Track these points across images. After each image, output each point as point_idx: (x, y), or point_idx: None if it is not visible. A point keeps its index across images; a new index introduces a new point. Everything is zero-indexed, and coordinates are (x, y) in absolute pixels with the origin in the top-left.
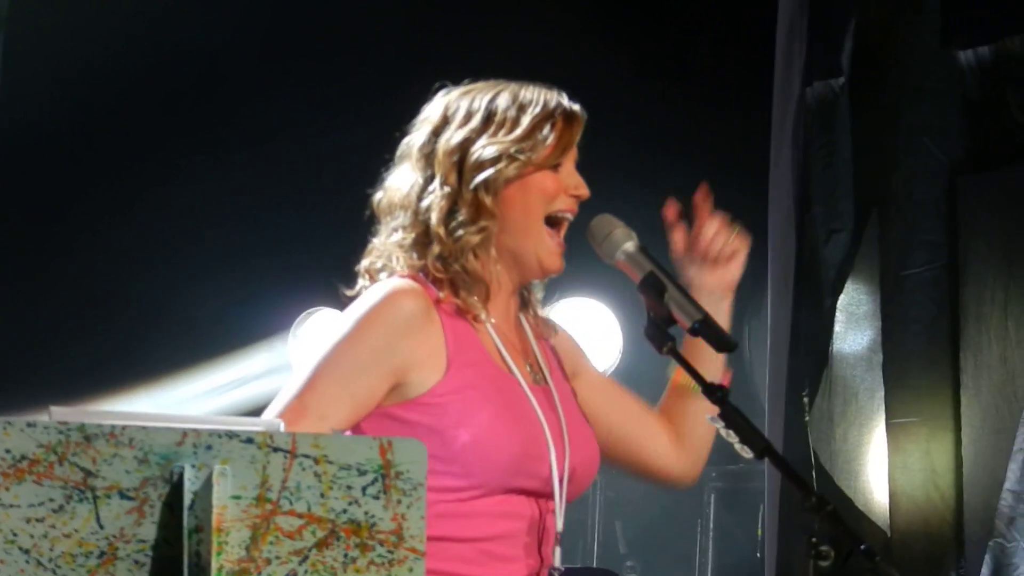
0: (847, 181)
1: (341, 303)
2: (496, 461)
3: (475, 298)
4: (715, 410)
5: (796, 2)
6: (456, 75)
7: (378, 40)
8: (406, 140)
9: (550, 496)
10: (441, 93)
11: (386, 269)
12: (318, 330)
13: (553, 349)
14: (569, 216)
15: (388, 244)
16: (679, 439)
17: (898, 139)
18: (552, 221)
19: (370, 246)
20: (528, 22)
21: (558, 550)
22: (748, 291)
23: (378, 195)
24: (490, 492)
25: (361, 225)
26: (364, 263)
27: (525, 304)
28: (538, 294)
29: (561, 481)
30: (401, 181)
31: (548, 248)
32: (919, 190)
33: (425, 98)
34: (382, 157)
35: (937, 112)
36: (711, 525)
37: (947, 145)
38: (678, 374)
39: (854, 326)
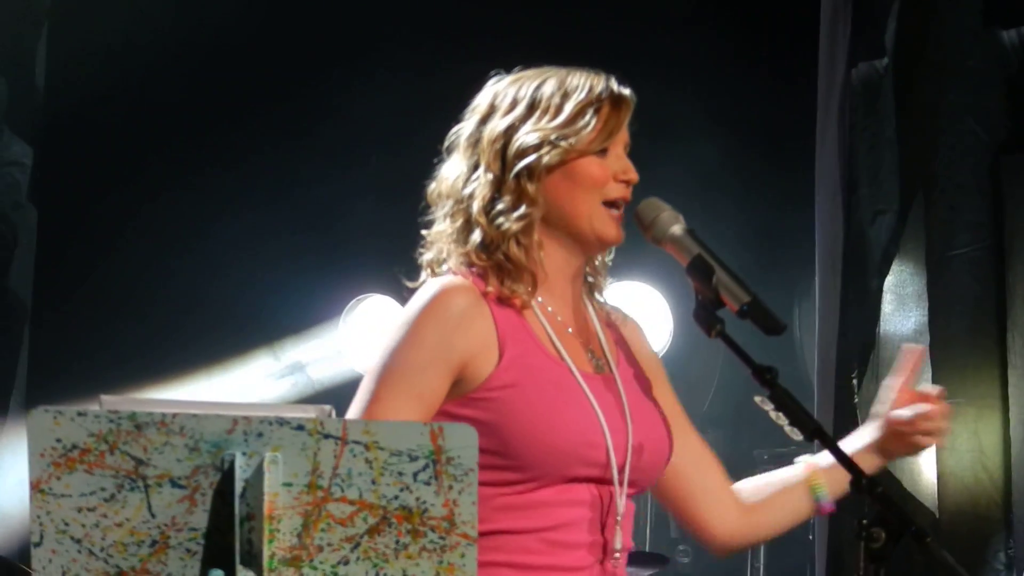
0: (892, 162)
1: (392, 290)
2: (550, 452)
3: (521, 286)
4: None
5: None
6: (507, 63)
7: (427, 25)
8: (455, 129)
9: (612, 481)
10: (491, 81)
11: (443, 262)
12: (370, 319)
13: (623, 339)
14: (620, 202)
15: (438, 234)
16: (751, 518)
17: (941, 119)
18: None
19: (428, 237)
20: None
21: (619, 533)
22: (797, 273)
23: (431, 186)
24: (549, 483)
25: (411, 212)
26: (426, 256)
27: (591, 290)
28: (605, 279)
29: (621, 468)
30: (450, 171)
31: (602, 218)
32: (963, 170)
33: (478, 85)
34: (431, 144)
35: (980, 92)
36: None
37: (990, 125)
38: (814, 475)
39: (902, 307)
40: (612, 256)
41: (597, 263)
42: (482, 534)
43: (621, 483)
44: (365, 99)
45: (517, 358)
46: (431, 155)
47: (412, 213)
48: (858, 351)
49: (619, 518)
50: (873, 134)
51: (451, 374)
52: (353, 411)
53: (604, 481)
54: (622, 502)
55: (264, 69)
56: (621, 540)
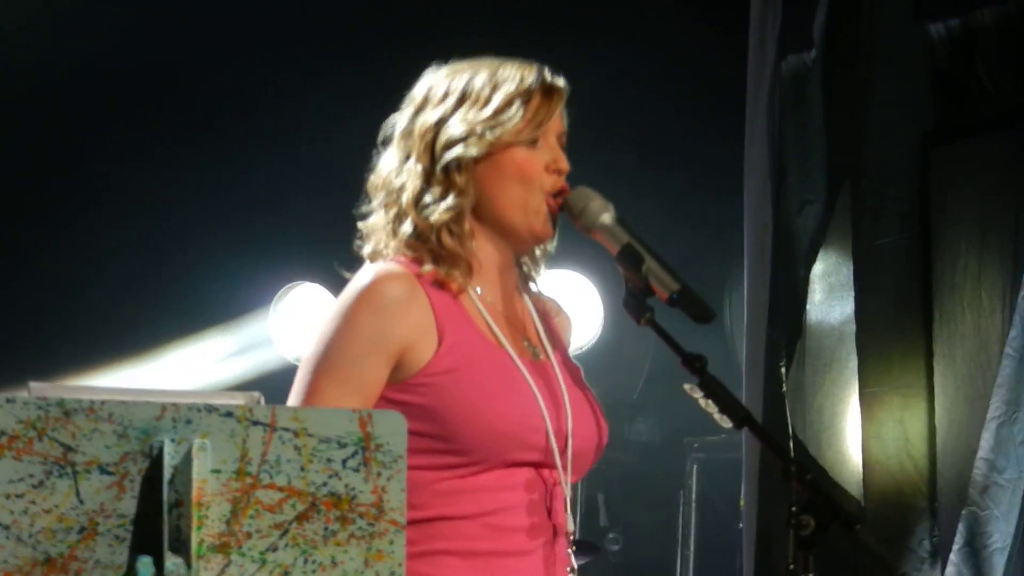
0: (820, 152)
1: (321, 278)
2: (490, 436)
3: (457, 271)
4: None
5: None
6: (444, 53)
7: (362, 14)
8: (390, 120)
9: (555, 466)
10: (428, 72)
11: (380, 254)
12: (300, 307)
13: (555, 329)
14: (561, 193)
15: (373, 225)
16: None
17: (870, 111)
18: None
19: (364, 229)
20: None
21: (570, 516)
22: (727, 262)
23: (370, 177)
24: (490, 467)
25: (341, 200)
26: (365, 249)
27: (526, 279)
28: (540, 269)
29: (563, 451)
30: (385, 162)
31: (540, 212)
32: (891, 161)
33: (411, 73)
34: (366, 131)
35: (908, 84)
36: (693, 496)
37: (918, 116)
38: None
39: (830, 296)
40: (554, 245)
41: (537, 253)
42: (424, 520)
43: (564, 467)
44: (295, 89)
45: (456, 344)
46: (363, 144)
47: (342, 202)
48: (785, 340)
49: (567, 500)
50: (801, 124)
51: (389, 362)
52: (292, 403)
53: (544, 465)
54: (567, 485)
55: (199, 55)
56: (571, 522)
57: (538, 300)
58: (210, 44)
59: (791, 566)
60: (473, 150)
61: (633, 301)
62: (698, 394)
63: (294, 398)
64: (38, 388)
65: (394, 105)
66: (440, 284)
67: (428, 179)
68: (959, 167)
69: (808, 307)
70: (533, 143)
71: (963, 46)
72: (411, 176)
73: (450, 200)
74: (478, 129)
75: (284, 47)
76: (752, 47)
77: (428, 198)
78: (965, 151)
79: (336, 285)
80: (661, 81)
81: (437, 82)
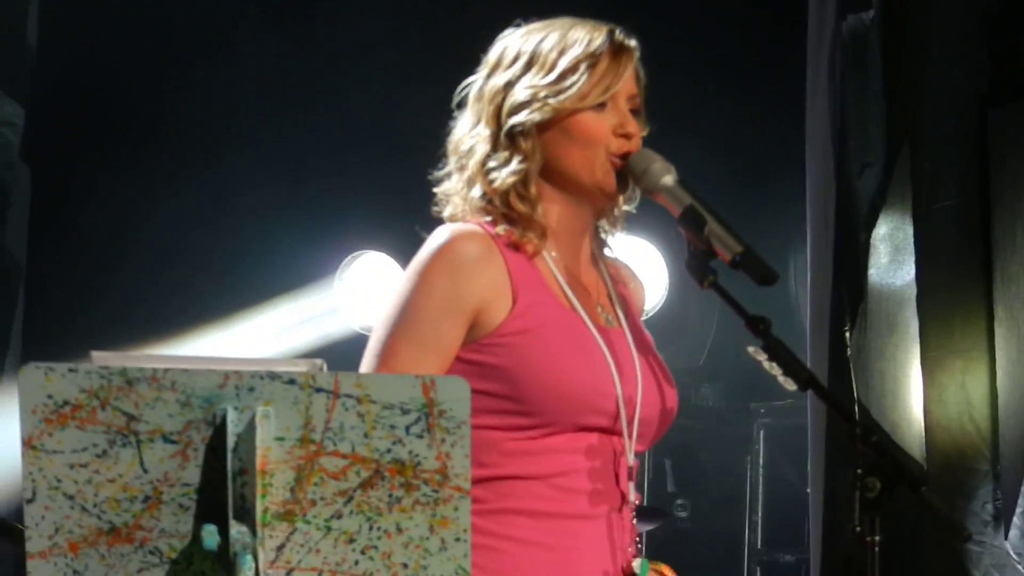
0: (879, 114)
1: (387, 246)
2: (561, 398)
3: (531, 233)
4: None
5: None
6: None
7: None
8: (466, 82)
9: (621, 433)
10: (504, 33)
11: (457, 217)
12: (365, 276)
13: (628, 296)
14: (627, 155)
15: (447, 188)
16: None
17: (927, 71)
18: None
19: (439, 192)
20: None
21: (631, 485)
22: (792, 225)
23: (448, 140)
24: (560, 430)
25: (406, 168)
26: (445, 212)
27: (601, 244)
28: (615, 233)
29: (631, 420)
30: (459, 125)
31: (604, 167)
32: (948, 122)
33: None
34: (429, 95)
35: (966, 44)
36: (760, 461)
37: (976, 76)
38: None
39: (895, 260)
40: (635, 205)
41: (615, 214)
42: (493, 479)
43: (631, 435)
44: (357, 54)
45: (531, 306)
46: (426, 109)
47: (406, 169)
48: (849, 303)
49: (630, 468)
50: (861, 87)
51: (466, 322)
52: (367, 364)
53: (613, 432)
54: (631, 453)
55: (256, 26)
56: (632, 492)
57: (612, 266)
58: (267, 15)
59: (857, 528)
60: (536, 115)
61: (695, 263)
62: (762, 356)
63: (370, 359)
64: (100, 357)
65: (459, 69)
66: (515, 246)
67: (495, 144)
68: (1018, 127)
69: (872, 271)
70: (601, 107)
71: (1019, 3)
72: (479, 140)
73: (514, 165)
74: (542, 94)
75: (348, 14)
76: (812, 8)
77: (494, 163)
78: (1023, 111)
79: (401, 253)
80: (719, 46)
81: (510, 44)
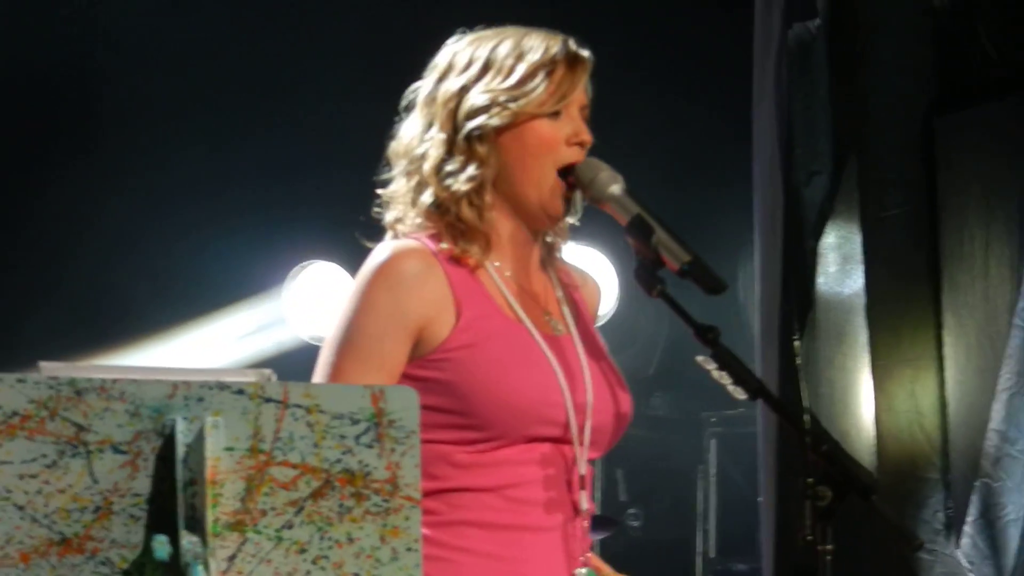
0: (826, 122)
1: (336, 256)
2: (509, 411)
3: (475, 246)
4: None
5: None
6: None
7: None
8: (413, 87)
9: (572, 442)
10: (452, 40)
11: (401, 221)
12: (314, 285)
13: (582, 300)
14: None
15: (393, 193)
16: None
17: (873, 79)
18: (561, 173)
19: (384, 196)
20: None
21: (583, 494)
22: (739, 234)
23: (392, 144)
24: (511, 442)
25: (356, 177)
26: (387, 216)
27: (550, 250)
28: (562, 243)
29: (582, 428)
30: (407, 129)
31: (552, 189)
32: (895, 130)
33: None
34: (379, 105)
35: (911, 51)
36: (712, 470)
37: (922, 84)
38: None
39: (844, 268)
40: (577, 218)
41: (560, 227)
42: (445, 491)
43: (582, 443)
44: (309, 63)
45: (475, 319)
46: (376, 119)
47: (356, 179)
48: (798, 312)
49: (582, 477)
50: (807, 95)
51: (409, 339)
52: (316, 382)
53: (564, 441)
54: (583, 462)
55: (208, 34)
56: (586, 501)
57: (563, 271)
58: (222, 20)
59: (809, 537)
60: (496, 120)
61: (644, 273)
62: (711, 365)
63: (318, 378)
64: (49, 368)
65: (409, 81)
66: (457, 260)
67: (450, 148)
68: (964, 134)
69: (821, 279)
70: (555, 115)
71: (965, 11)
72: (433, 144)
73: (471, 170)
74: (501, 99)
75: (300, 25)
76: (758, 16)
77: (450, 167)
78: (969, 118)
79: (350, 263)
80: (665, 54)
81: (461, 49)
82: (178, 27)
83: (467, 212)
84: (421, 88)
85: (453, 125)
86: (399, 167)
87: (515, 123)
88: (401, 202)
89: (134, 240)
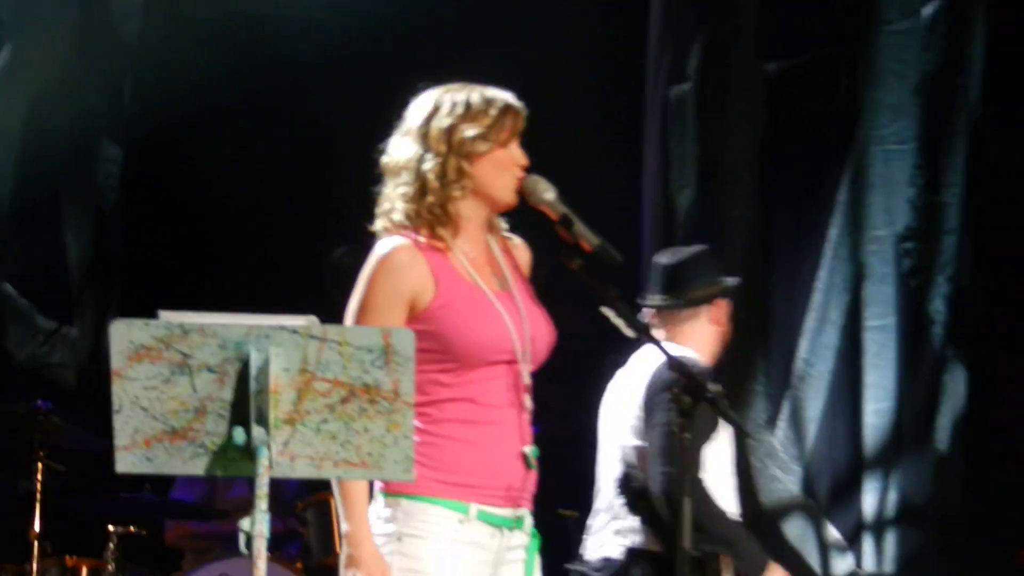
0: (693, 154)
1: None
2: (473, 347)
3: (447, 232)
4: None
5: (660, 28)
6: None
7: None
8: (405, 121)
9: (518, 361)
10: (428, 91)
11: (389, 215)
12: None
13: (516, 262)
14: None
15: (393, 194)
16: None
17: (725, 126)
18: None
19: (381, 195)
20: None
21: (527, 397)
22: (623, 230)
23: (384, 159)
24: (477, 365)
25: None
26: (381, 208)
27: (492, 231)
28: (501, 223)
29: (524, 352)
30: (403, 150)
31: (509, 190)
32: (739, 159)
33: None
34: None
35: (750, 106)
36: None
37: (757, 129)
38: None
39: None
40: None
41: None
42: (436, 402)
43: (525, 362)
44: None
45: (447, 289)
46: None
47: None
48: None
49: (526, 385)
50: (680, 134)
51: (405, 307)
52: None
53: (513, 362)
54: (527, 375)
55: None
56: (528, 402)
57: (503, 241)
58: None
59: (675, 429)
60: (483, 146)
61: (567, 251)
62: (611, 313)
63: None
64: (165, 315)
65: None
66: (433, 247)
67: (445, 167)
68: (782, 167)
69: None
70: (507, 144)
71: (793, 81)
72: (434, 165)
73: (463, 181)
74: (485, 132)
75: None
76: (648, 79)
77: (448, 179)
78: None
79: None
80: (577, 104)
81: (439, 97)
82: None
83: (451, 207)
84: (411, 122)
85: (447, 149)
86: (401, 177)
87: (490, 150)
88: (399, 201)
89: (256, 243)
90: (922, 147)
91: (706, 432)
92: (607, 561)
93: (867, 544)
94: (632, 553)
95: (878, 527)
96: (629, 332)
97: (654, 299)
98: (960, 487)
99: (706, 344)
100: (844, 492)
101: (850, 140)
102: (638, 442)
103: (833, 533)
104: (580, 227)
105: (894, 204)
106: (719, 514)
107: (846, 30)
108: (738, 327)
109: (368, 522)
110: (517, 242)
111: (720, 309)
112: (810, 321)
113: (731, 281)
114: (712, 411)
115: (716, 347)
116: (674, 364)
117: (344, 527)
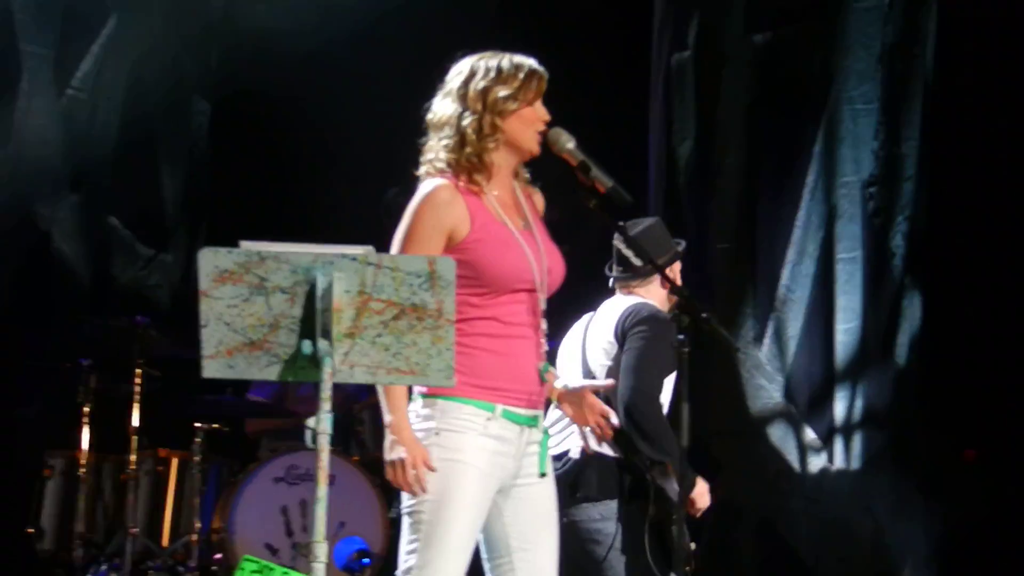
0: (691, 111)
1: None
2: (502, 275)
3: (482, 178)
4: None
5: (664, 4)
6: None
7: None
8: (446, 84)
9: (537, 290)
10: (462, 58)
11: (433, 162)
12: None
13: (535, 204)
14: (543, 133)
15: (437, 145)
16: None
17: (721, 86)
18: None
19: (426, 145)
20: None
21: (543, 320)
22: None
23: (429, 115)
24: (502, 292)
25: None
26: (425, 157)
27: (517, 178)
28: (525, 172)
29: (542, 282)
30: (445, 108)
31: (534, 141)
32: (732, 117)
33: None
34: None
35: (742, 71)
36: None
37: (748, 91)
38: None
39: (704, 181)
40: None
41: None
42: (469, 319)
43: (542, 291)
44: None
45: (481, 225)
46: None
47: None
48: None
49: (543, 310)
50: (681, 95)
51: (444, 238)
52: None
53: (533, 290)
54: (543, 300)
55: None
56: (544, 324)
57: (525, 189)
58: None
59: (678, 346)
60: (513, 104)
61: (585, 193)
62: (621, 244)
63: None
64: (246, 244)
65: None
66: (469, 190)
67: (481, 122)
68: (769, 126)
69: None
70: (533, 103)
71: (777, 45)
72: (472, 120)
73: (497, 135)
74: (515, 93)
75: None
76: (654, 48)
77: (484, 133)
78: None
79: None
80: (593, 69)
81: (475, 63)
82: None
83: (487, 156)
84: (452, 84)
85: (483, 108)
86: (443, 131)
87: (519, 108)
88: (441, 151)
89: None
90: (884, 106)
91: (670, 366)
92: (564, 456)
93: (838, 444)
94: (588, 455)
95: (847, 430)
96: (636, 261)
97: (618, 270)
98: (916, 395)
99: (662, 303)
100: (819, 400)
101: (824, 100)
102: (607, 362)
103: (810, 434)
104: (596, 171)
105: (861, 155)
106: (668, 430)
107: (822, 7)
108: (729, 259)
109: (407, 414)
110: (535, 190)
111: (674, 271)
112: (791, 254)
113: (680, 245)
114: (708, 329)
115: (669, 304)
116: (676, 289)
117: (387, 419)
